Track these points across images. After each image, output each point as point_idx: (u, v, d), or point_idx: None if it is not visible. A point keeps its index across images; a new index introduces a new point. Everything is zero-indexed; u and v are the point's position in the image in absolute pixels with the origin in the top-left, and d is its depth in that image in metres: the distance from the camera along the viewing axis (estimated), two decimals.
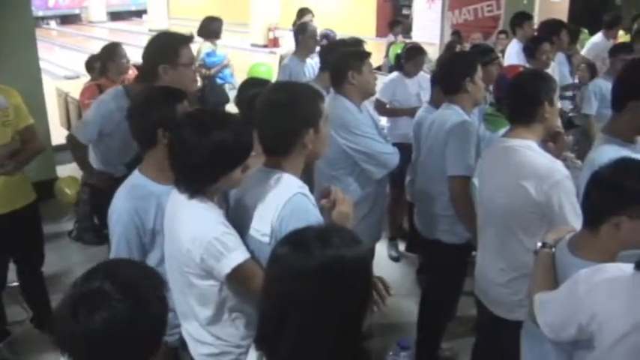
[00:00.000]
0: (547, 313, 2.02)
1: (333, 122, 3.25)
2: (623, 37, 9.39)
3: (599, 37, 7.74)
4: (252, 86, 3.43)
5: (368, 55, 3.62)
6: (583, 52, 7.51)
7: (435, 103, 4.25)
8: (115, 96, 3.49)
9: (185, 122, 2.17)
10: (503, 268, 2.83)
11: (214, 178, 2.14)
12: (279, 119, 2.17)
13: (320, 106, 2.20)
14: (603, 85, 5.35)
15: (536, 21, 10.95)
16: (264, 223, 2.16)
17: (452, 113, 3.44)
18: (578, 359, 1.93)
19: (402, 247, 5.47)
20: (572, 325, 1.86)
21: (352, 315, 1.45)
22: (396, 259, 5.37)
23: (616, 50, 5.65)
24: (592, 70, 6.43)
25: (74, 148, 3.71)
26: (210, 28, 6.79)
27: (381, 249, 5.07)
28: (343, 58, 3.56)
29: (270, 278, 1.51)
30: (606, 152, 2.54)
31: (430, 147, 3.60)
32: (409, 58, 5.38)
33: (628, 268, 1.75)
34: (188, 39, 3.30)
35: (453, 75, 3.53)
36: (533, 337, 2.24)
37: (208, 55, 6.86)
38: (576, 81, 6.51)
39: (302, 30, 5.80)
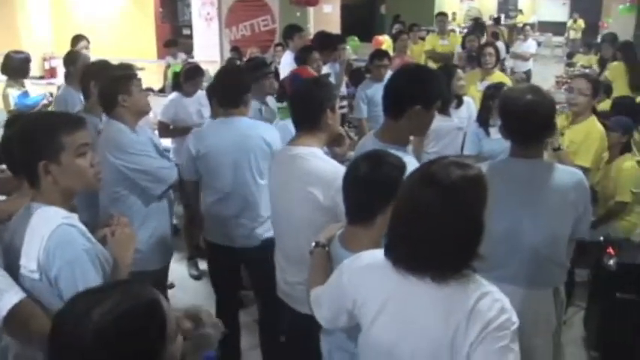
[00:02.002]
0: (321, 306, 2.15)
1: (108, 145, 3.39)
2: (387, 41, 10.22)
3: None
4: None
5: (134, 75, 3.61)
6: None
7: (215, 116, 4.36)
8: None
9: None
10: (301, 269, 2.90)
11: None
12: (18, 152, 2.19)
13: (60, 138, 2.15)
14: (368, 90, 5.86)
15: (312, 32, 11.55)
16: (31, 260, 2.08)
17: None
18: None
19: (202, 265, 5.44)
20: (343, 313, 2.00)
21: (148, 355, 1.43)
22: (197, 278, 5.35)
23: (372, 57, 6.13)
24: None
25: None
26: (14, 66, 5.93)
27: (182, 269, 5.04)
28: (110, 84, 3.51)
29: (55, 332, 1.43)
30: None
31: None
32: (188, 79, 5.40)
33: (379, 253, 1.89)
34: None
35: (233, 90, 3.71)
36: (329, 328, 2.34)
37: (20, 97, 5.90)
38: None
39: (73, 59, 5.56)
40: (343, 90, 6.95)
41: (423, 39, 10.49)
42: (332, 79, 6.54)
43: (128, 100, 3.45)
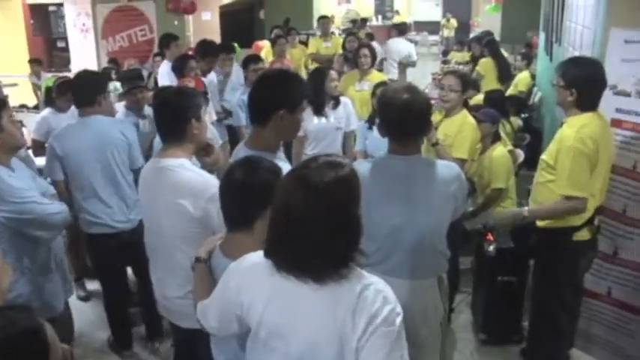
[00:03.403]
0: (209, 316, 2.11)
1: None
2: (267, 47, 10.21)
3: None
4: None
5: (2, 105, 3.12)
6: None
7: None
8: None
9: None
10: (179, 283, 2.86)
11: None
12: None
13: None
14: (244, 96, 5.79)
15: (193, 40, 11.41)
16: None
17: None
18: None
19: (90, 285, 5.24)
20: (233, 320, 1.97)
21: None
22: (85, 299, 5.14)
23: (247, 61, 6.08)
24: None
25: None
26: None
27: None
28: None
29: None
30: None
31: None
32: (61, 94, 5.16)
33: (260, 255, 1.89)
34: None
35: (85, 90, 3.99)
36: (221, 339, 2.30)
37: None
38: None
39: None
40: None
41: (302, 43, 10.59)
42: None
43: None
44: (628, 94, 3.73)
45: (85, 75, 4.27)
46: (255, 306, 1.85)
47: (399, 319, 1.75)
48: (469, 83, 4.25)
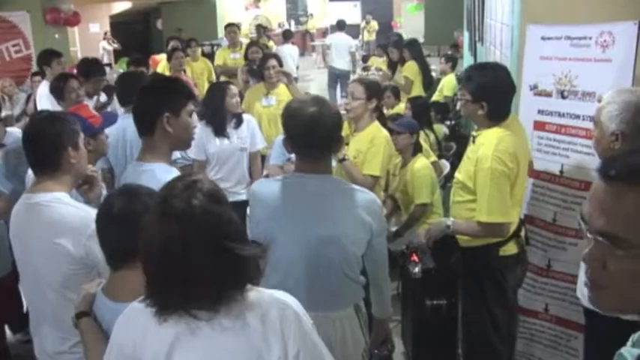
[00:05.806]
0: None
1: None
2: (164, 60, 10.10)
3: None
4: None
5: None
6: None
7: None
8: None
9: None
10: (62, 336, 2.79)
11: None
12: None
13: None
14: None
15: (81, 55, 11.17)
16: None
17: None
18: None
19: None
20: None
21: None
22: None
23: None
24: None
25: None
26: None
27: None
28: None
29: None
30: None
31: None
32: None
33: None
34: None
35: None
36: None
37: None
38: None
39: None
40: None
41: (207, 55, 10.51)
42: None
43: None
44: (549, 94, 3.85)
45: None
46: (158, 356, 1.83)
47: (305, 321, 1.87)
48: (377, 92, 4.28)
